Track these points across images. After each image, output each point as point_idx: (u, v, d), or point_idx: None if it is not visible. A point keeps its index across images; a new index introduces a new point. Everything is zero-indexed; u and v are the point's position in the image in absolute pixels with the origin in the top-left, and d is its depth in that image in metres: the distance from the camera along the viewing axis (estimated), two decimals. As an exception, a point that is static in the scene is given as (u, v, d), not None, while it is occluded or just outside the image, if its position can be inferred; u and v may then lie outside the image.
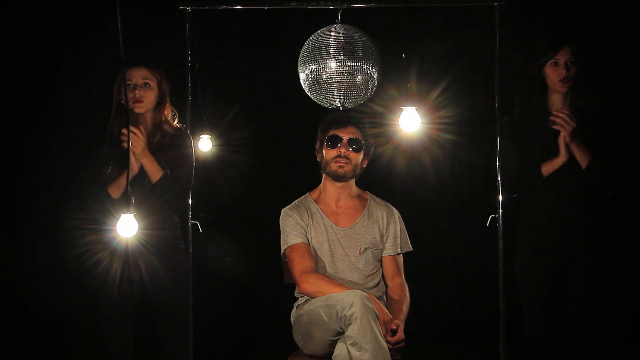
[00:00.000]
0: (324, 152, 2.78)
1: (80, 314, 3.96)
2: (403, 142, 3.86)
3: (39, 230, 4.09)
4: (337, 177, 2.75)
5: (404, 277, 2.81)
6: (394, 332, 2.45)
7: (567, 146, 2.74)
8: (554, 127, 2.74)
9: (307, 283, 2.61)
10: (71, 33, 4.10)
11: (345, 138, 2.74)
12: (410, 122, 2.89)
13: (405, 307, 2.71)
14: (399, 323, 2.51)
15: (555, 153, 2.77)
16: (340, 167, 2.73)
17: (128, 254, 2.71)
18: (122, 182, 2.68)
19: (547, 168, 2.80)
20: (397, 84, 3.42)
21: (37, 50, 4.09)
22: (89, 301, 2.90)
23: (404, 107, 2.89)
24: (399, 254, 2.82)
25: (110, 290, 2.74)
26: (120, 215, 2.32)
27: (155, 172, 2.71)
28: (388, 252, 2.79)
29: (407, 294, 2.76)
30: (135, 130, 2.67)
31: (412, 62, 3.13)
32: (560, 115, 2.72)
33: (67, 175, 3.99)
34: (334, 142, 2.74)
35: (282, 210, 2.81)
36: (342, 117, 2.79)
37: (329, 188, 2.81)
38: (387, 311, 2.54)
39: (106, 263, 2.72)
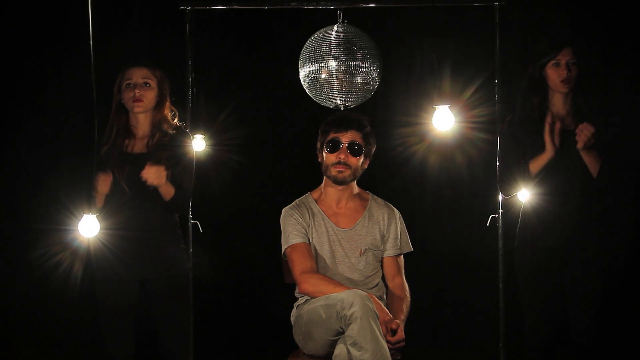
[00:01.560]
0: (324, 154, 2.77)
1: (82, 316, 3.96)
2: (436, 141, 3.82)
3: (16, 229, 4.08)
4: (337, 182, 2.75)
5: (404, 278, 2.81)
6: (394, 332, 2.45)
7: (552, 142, 2.73)
8: (577, 137, 2.71)
9: (307, 283, 2.61)
10: (70, 32, 4.09)
11: (345, 143, 2.72)
12: (444, 120, 2.89)
13: (406, 307, 2.71)
14: (399, 323, 2.51)
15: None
16: (340, 172, 2.72)
17: (128, 254, 2.71)
18: (102, 194, 2.68)
19: (535, 165, 2.79)
20: (428, 83, 3.38)
21: (34, 49, 4.07)
22: (88, 302, 2.90)
23: (437, 106, 2.89)
24: (399, 254, 2.82)
25: (110, 290, 2.74)
26: (83, 215, 2.37)
27: (169, 193, 2.73)
28: (389, 252, 2.79)
29: (408, 294, 2.76)
30: (150, 174, 2.65)
31: (441, 61, 3.09)
32: (582, 128, 2.69)
33: (41, 175, 3.98)
34: (334, 146, 2.73)
35: (283, 210, 2.81)
36: (343, 120, 2.76)
37: (329, 190, 2.81)
38: (387, 311, 2.54)
39: (107, 262, 2.72)
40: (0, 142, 4.04)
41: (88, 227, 2.42)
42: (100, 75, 2.44)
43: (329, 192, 2.81)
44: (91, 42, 2.32)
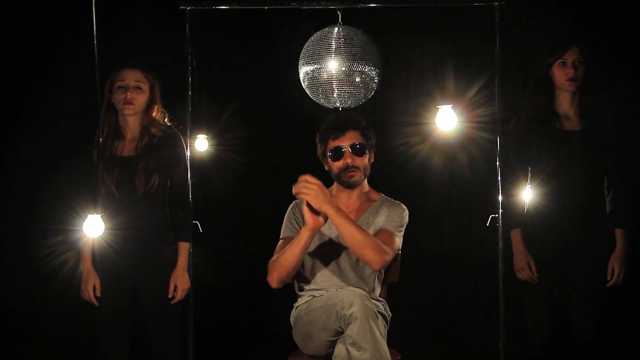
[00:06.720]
0: (329, 163, 2.75)
1: (74, 316, 3.96)
2: (439, 141, 3.81)
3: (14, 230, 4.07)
4: (350, 186, 2.74)
5: (393, 251, 2.58)
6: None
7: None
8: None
9: (269, 275, 2.56)
10: (66, 32, 4.08)
11: (347, 147, 2.69)
12: (446, 120, 2.90)
13: (364, 234, 2.47)
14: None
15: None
16: (352, 177, 2.70)
17: (121, 253, 2.71)
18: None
19: (512, 234, 2.89)
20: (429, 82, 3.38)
21: (34, 48, 4.06)
22: (83, 302, 2.89)
23: (439, 106, 2.90)
24: (388, 230, 2.64)
25: (104, 291, 2.74)
26: (87, 215, 2.35)
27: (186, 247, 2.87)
28: (378, 226, 2.67)
29: (379, 248, 2.47)
30: (183, 285, 2.81)
31: (443, 60, 3.09)
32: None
33: (44, 175, 3.97)
34: (337, 154, 2.70)
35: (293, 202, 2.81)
36: (337, 124, 2.72)
37: (340, 193, 2.79)
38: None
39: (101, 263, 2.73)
40: (3, 141, 4.04)
41: (93, 227, 2.38)
42: (100, 75, 2.44)
43: (340, 195, 2.79)
44: (95, 43, 2.32)
